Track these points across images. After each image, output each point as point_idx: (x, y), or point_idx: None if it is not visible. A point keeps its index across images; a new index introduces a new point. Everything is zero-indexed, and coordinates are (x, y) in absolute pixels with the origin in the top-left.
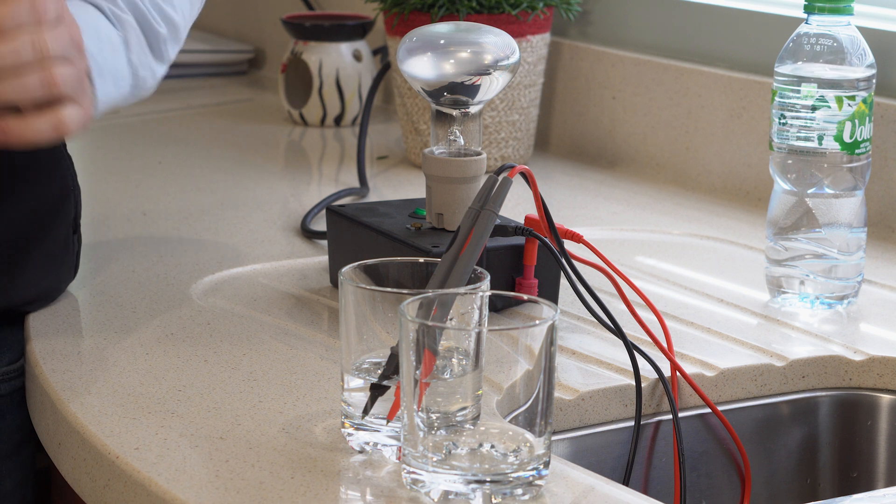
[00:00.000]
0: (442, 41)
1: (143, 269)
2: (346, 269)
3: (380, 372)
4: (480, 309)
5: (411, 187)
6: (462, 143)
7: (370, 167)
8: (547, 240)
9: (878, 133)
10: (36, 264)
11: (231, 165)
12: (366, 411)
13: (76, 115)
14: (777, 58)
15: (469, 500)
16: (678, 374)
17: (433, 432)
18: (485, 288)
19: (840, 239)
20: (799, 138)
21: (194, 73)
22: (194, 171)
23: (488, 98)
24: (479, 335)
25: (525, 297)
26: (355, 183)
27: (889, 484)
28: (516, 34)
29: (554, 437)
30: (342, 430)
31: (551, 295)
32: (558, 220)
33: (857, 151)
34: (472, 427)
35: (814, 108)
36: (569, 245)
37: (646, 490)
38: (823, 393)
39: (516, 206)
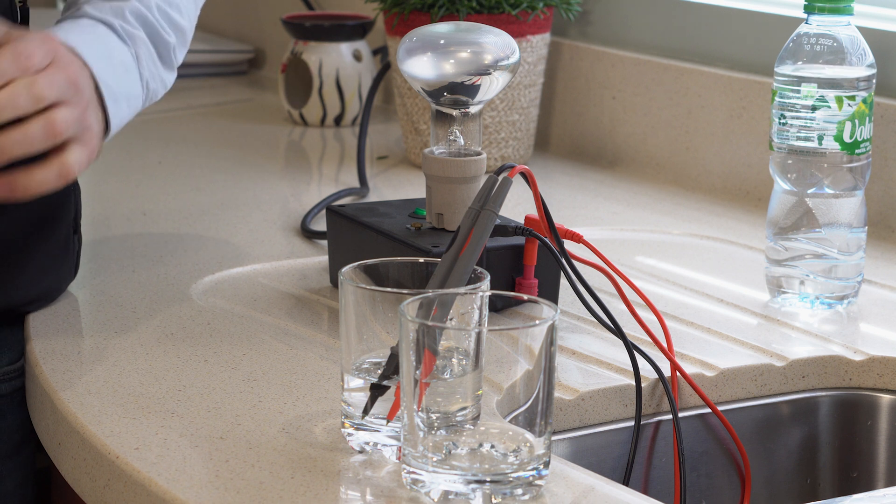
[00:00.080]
0: (442, 41)
1: (143, 269)
2: (346, 269)
3: (380, 372)
4: (480, 309)
5: (411, 187)
6: (462, 143)
7: (370, 167)
8: (547, 240)
9: (878, 133)
10: (36, 264)
11: (231, 165)
12: (366, 411)
13: (81, 157)
14: (777, 58)
15: (469, 500)
16: (678, 374)
17: (433, 432)
18: (485, 288)
19: (840, 239)
20: (799, 138)
21: (194, 73)
22: (194, 171)
23: (488, 98)
24: (479, 335)
25: (525, 297)
26: (355, 183)
27: (889, 484)
28: (516, 34)
29: (554, 437)
30: (342, 430)
31: (551, 295)
32: (558, 220)
33: (857, 151)
34: (472, 427)
35: (814, 108)
36: (569, 245)
37: (646, 490)
38: (823, 393)
39: (516, 206)
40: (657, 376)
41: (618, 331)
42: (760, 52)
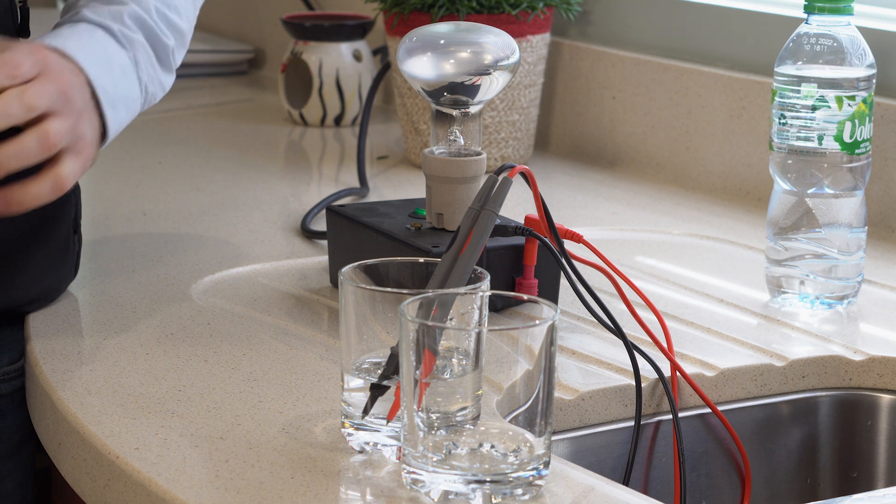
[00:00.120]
0: (442, 41)
1: (143, 269)
2: (346, 269)
3: (380, 372)
4: (480, 309)
5: (411, 187)
6: (462, 143)
7: (370, 167)
8: (547, 240)
9: (878, 133)
10: (36, 264)
11: (231, 165)
12: (366, 411)
13: (74, 167)
14: (777, 58)
15: (469, 500)
16: (678, 374)
17: (433, 432)
18: (485, 288)
19: (840, 239)
20: (799, 138)
21: (194, 73)
22: (194, 171)
23: (488, 98)
24: (479, 335)
25: (525, 297)
26: (355, 183)
27: (889, 484)
28: (516, 34)
29: (554, 437)
30: (342, 430)
31: (551, 295)
32: (558, 220)
33: (857, 151)
34: (472, 427)
35: (814, 108)
36: (569, 245)
37: (646, 490)
38: (823, 393)
39: (516, 206)
40: (657, 376)
41: (618, 331)
42: (760, 52)
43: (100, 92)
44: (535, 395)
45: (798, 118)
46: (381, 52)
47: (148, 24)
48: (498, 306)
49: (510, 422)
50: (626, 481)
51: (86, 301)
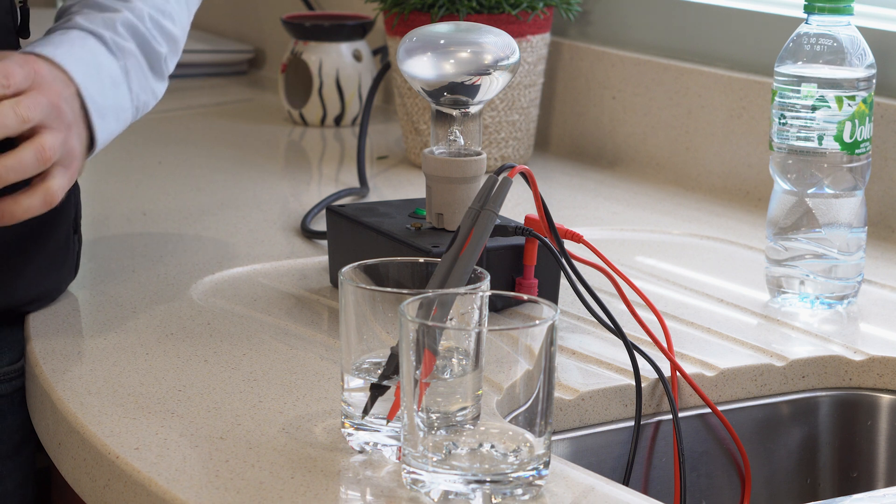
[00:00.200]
0: (442, 41)
1: (143, 269)
2: (346, 269)
3: (380, 372)
4: (480, 309)
5: (411, 187)
6: (462, 143)
7: (370, 167)
8: (547, 240)
9: (878, 133)
10: (36, 265)
11: (231, 165)
12: (366, 411)
13: (63, 181)
14: (777, 58)
15: (469, 500)
16: (678, 374)
17: (433, 432)
18: (485, 288)
19: (840, 239)
20: (799, 138)
21: (194, 73)
22: (194, 171)
23: (488, 98)
24: (479, 335)
25: (525, 297)
26: (355, 183)
27: (889, 484)
28: (516, 34)
29: (554, 437)
30: (342, 430)
31: (551, 295)
32: (558, 220)
33: (857, 151)
34: (472, 427)
35: (814, 108)
36: (569, 245)
37: (646, 490)
38: (823, 393)
39: (516, 206)
40: (657, 376)
41: (618, 331)
42: (760, 52)
43: (89, 102)
44: (535, 395)
45: (798, 118)
46: (381, 52)
47: (140, 32)
48: (498, 306)
49: (510, 422)
50: (626, 481)
51: (86, 301)
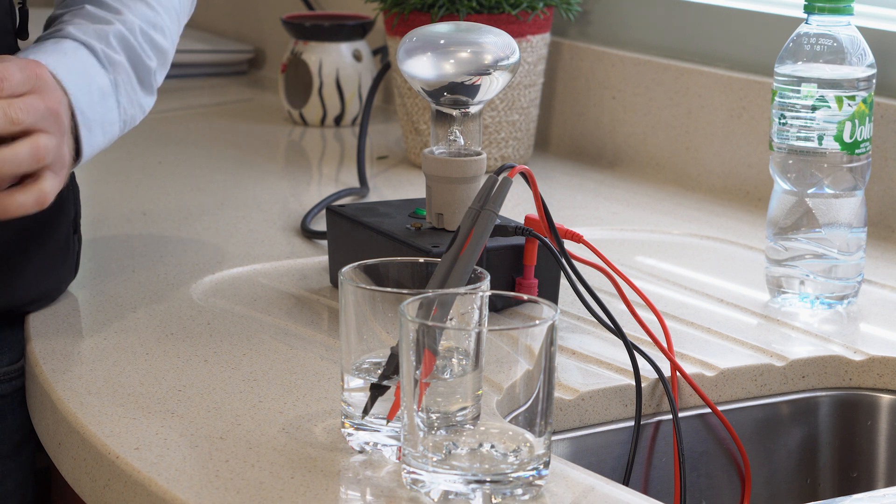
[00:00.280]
0: (442, 41)
1: (143, 269)
2: (346, 269)
3: (380, 372)
4: (480, 309)
5: (411, 187)
6: (462, 143)
7: (370, 167)
8: (547, 240)
9: (878, 133)
10: (36, 265)
11: (231, 165)
12: (366, 411)
13: (54, 185)
14: (777, 58)
15: (469, 500)
16: (678, 374)
17: (433, 432)
18: (485, 288)
19: (840, 239)
20: (799, 138)
21: (194, 73)
22: (194, 171)
23: (488, 98)
24: (479, 335)
25: (525, 297)
26: (355, 183)
27: (889, 484)
28: (516, 34)
29: (554, 437)
30: (342, 430)
31: (551, 295)
32: (558, 220)
33: (857, 151)
34: (472, 427)
35: (814, 108)
36: (569, 245)
37: (646, 490)
38: (823, 393)
39: (516, 206)
40: (657, 376)
41: (618, 331)
42: (760, 52)
43: (78, 114)
44: (535, 395)
45: (798, 118)
46: (381, 52)
47: (131, 45)
48: (498, 306)
49: (510, 422)
50: (626, 481)
51: (86, 301)
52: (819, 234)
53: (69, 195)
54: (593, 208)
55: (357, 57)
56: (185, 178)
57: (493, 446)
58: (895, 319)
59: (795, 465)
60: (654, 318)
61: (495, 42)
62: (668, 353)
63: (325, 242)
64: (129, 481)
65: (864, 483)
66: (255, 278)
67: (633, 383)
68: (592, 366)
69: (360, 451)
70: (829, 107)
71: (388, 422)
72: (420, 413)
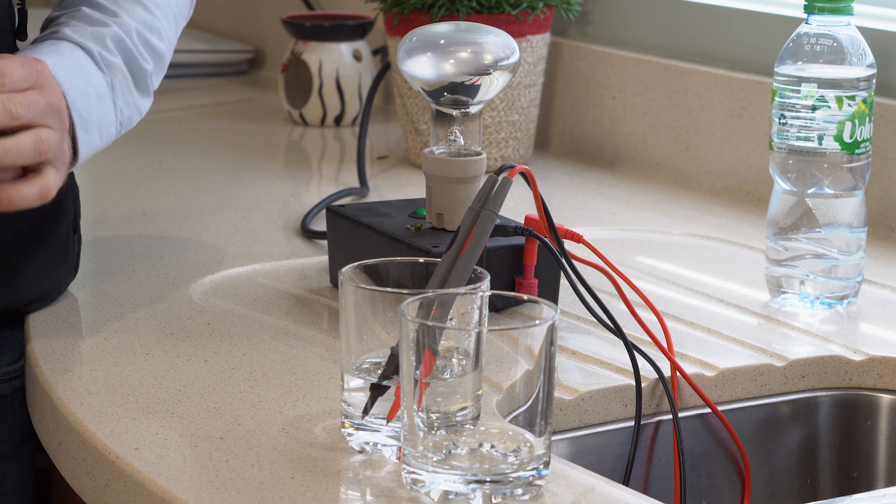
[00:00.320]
0: (442, 41)
1: (143, 269)
2: (346, 269)
3: (380, 372)
4: (480, 309)
5: (411, 187)
6: (462, 143)
7: (370, 167)
8: (547, 240)
9: (878, 133)
10: (36, 265)
11: (231, 165)
12: (366, 411)
13: (57, 180)
14: (777, 58)
15: (469, 500)
16: (678, 374)
17: (433, 432)
18: (485, 288)
19: (840, 239)
20: (799, 138)
21: (194, 73)
22: (194, 171)
23: (488, 98)
24: (479, 335)
25: (525, 297)
26: (355, 183)
27: (889, 484)
28: (516, 34)
29: (554, 437)
30: (342, 430)
31: (551, 295)
32: (558, 220)
33: (857, 151)
34: (472, 427)
35: (814, 108)
36: (569, 245)
37: (646, 490)
38: (823, 393)
39: (516, 206)
40: (657, 376)
41: (618, 331)
42: (760, 52)
43: (74, 115)
44: (535, 395)
45: (798, 118)
46: (381, 52)
47: (127, 47)
48: (498, 306)
49: (510, 422)
50: (626, 481)
51: (86, 301)
52: (819, 234)
53: (69, 195)
54: (593, 208)
55: (357, 57)
56: (185, 178)
57: (493, 446)
58: (895, 319)
59: (795, 465)
60: (654, 318)
61: (495, 42)
62: (668, 353)
63: (325, 242)
64: (129, 481)
65: (864, 483)
66: (255, 278)
67: (633, 383)
68: (592, 366)
69: (360, 451)
70: (829, 107)
71: (388, 422)
72: (420, 413)
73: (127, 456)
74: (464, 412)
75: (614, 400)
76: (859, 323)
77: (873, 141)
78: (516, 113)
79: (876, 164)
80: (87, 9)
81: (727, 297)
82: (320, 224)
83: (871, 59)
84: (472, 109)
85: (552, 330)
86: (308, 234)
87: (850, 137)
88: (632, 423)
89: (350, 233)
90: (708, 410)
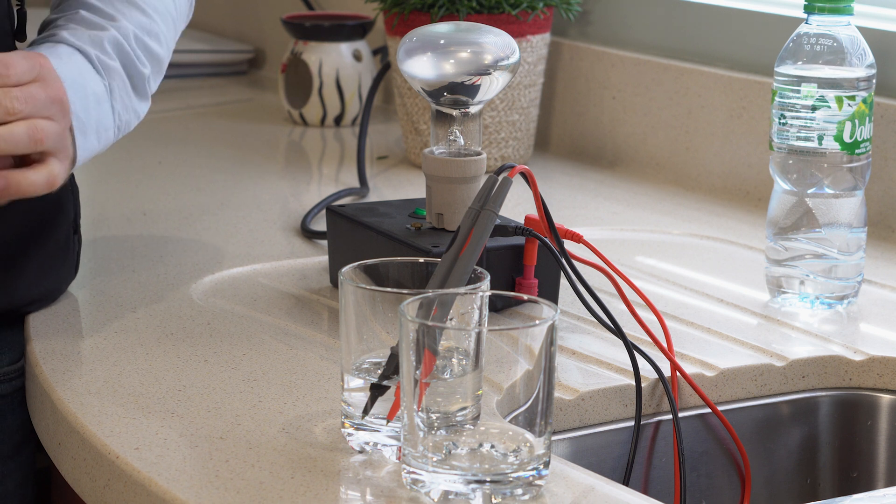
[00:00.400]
0: (442, 41)
1: (143, 269)
2: (346, 269)
3: (380, 372)
4: (480, 309)
5: (411, 187)
6: (462, 143)
7: (370, 167)
8: (547, 240)
9: (878, 133)
10: (36, 265)
11: (231, 165)
12: (366, 411)
13: (62, 171)
14: (777, 58)
15: (469, 500)
16: (678, 374)
17: (433, 432)
18: (485, 288)
19: (840, 239)
20: (799, 138)
21: (194, 73)
22: (194, 171)
23: (488, 98)
24: (479, 335)
25: (525, 297)
26: (355, 183)
27: (889, 484)
28: (516, 34)
29: (554, 437)
30: (342, 430)
31: (551, 295)
32: (558, 220)
33: (857, 151)
34: (472, 427)
35: (814, 108)
36: (569, 245)
37: (646, 490)
38: (823, 393)
39: (516, 206)
40: (657, 376)
41: (618, 331)
42: (760, 52)
43: (73, 118)
44: (535, 395)
45: (798, 118)
46: (381, 52)
47: (125, 51)
48: (498, 306)
49: (510, 422)
50: (626, 481)
51: (86, 301)
52: (819, 234)
53: (69, 195)
54: (593, 208)
55: (357, 57)
56: (185, 178)
57: (493, 446)
58: (895, 319)
59: (795, 465)
60: (654, 318)
61: (495, 42)
62: (668, 353)
63: (325, 242)
64: (129, 481)
65: (864, 483)
66: (255, 278)
67: (633, 383)
68: (592, 366)
69: (360, 451)
70: (829, 107)
71: (388, 422)
72: (420, 413)
73: (127, 456)
74: (464, 412)
75: (614, 400)
76: (859, 323)
77: (873, 141)
78: (516, 113)
79: (876, 164)
80: (85, 12)
81: (727, 297)
82: (320, 224)
83: (871, 59)
84: (472, 109)
85: (552, 330)
86: (308, 234)
87: (850, 137)
88: (632, 423)
89: (350, 233)
90: (708, 410)
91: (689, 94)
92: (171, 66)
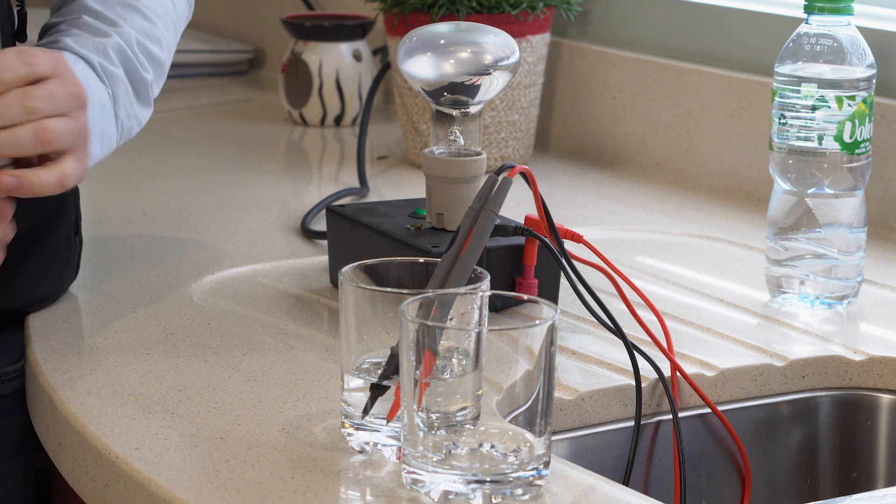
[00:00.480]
0: (442, 41)
1: (143, 269)
2: (346, 269)
3: (380, 372)
4: (480, 309)
5: (411, 187)
6: (462, 143)
7: (370, 167)
8: (547, 240)
9: (878, 133)
10: (37, 267)
11: (231, 165)
12: (366, 411)
13: (76, 170)
14: (777, 58)
15: (469, 500)
16: (678, 374)
17: (433, 432)
18: (485, 288)
19: (840, 239)
20: (799, 138)
21: (194, 73)
22: (194, 171)
23: (488, 98)
24: (479, 335)
25: (525, 297)
26: (355, 183)
27: (889, 484)
28: (516, 34)
29: (554, 437)
30: (342, 430)
31: (551, 295)
32: (558, 220)
33: (857, 151)
34: (472, 427)
35: (814, 108)
36: (569, 245)
37: (646, 490)
38: (823, 393)
39: (516, 206)
40: (657, 376)
41: (618, 331)
42: (760, 52)
43: None
44: (535, 395)
45: (798, 118)
46: (381, 52)
47: (128, 57)
48: (498, 306)
49: (510, 422)
50: (626, 481)
51: (86, 301)
52: (819, 234)
53: (70, 197)
54: (593, 208)
55: (357, 57)
56: (185, 178)
57: (493, 446)
58: (895, 319)
59: (795, 465)
60: (654, 318)
61: (495, 42)
62: (668, 353)
63: (325, 242)
64: (129, 481)
65: (864, 483)
66: (255, 278)
67: (633, 383)
68: (592, 366)
69: (360, 451)
70: (829, 107)
71: (388, 422)
72: (420, 413)
73: (127, 456)
74: (464, 412)
75: (614, 400)
76: (859, 323)
77: (873, 141)
78: (516, 113)
79: (876, 164)
80: (89, 17)
81: (727, 297)
82: (320, 224)
83: (871, 59)
84: (472, 109)
85: (552, 330)
86: (308, 234)
87: (850, 137)
88: (632, 423)
89: (350, 233)
90: (708, 410)
91: (689, 94)
92: (171, 66)
